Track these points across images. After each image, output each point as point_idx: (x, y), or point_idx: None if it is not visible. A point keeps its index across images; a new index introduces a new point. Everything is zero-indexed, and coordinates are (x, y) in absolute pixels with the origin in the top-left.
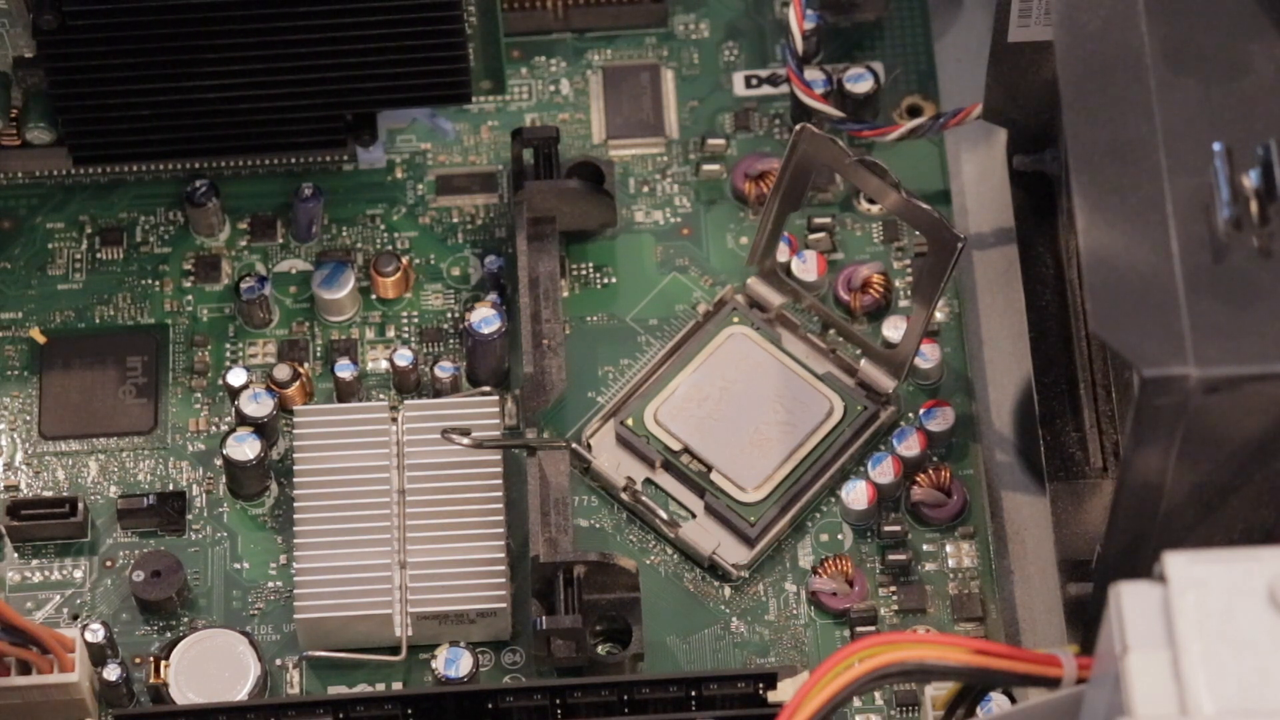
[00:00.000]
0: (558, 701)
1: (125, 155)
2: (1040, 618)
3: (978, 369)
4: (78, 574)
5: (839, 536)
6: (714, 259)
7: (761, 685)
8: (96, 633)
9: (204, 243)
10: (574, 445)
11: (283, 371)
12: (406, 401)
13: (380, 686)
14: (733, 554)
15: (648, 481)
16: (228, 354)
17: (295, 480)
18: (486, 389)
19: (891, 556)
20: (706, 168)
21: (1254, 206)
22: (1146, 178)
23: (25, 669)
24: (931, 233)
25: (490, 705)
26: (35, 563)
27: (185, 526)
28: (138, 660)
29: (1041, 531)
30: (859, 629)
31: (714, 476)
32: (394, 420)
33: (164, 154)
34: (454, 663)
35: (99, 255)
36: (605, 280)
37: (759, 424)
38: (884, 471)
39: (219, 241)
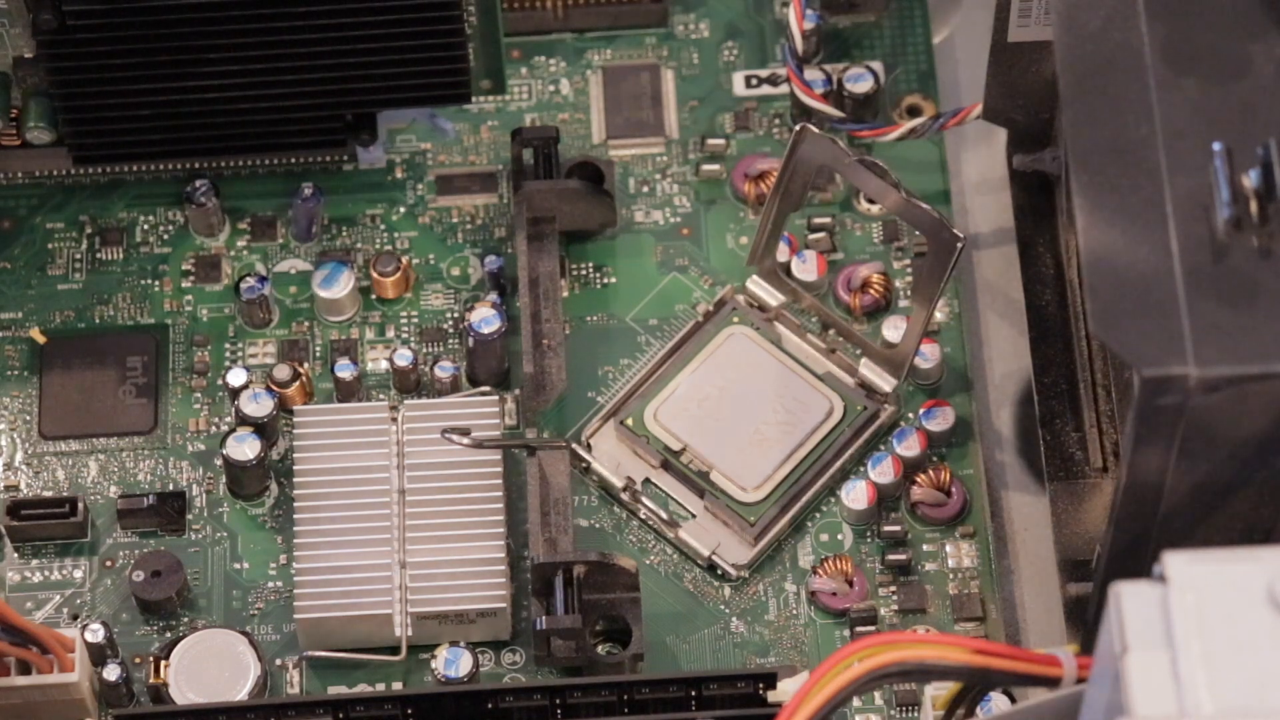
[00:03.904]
0: (558, 701)
1: (125, 155)
2: (1040, 618)
3: (978, 369)
4: (78, 574)
5: (839, 536)
6: (714, 259)
7: (761, 685)
8: (96, 633)
9: (204, 243)
10: (574, 445)
11: (283, 371)
12: (406, 401)
13: (380, 686)
14: (733, 554)
15: (648, 481)
16: (228, 354)
17: (295, 480)
18: (486, 389)
19: (891, 556)
20: (706, 168)
21: (1254, 206)
22: (1146, 178)
23: (25, 669)
24: (931, 233)
25: (490, 705)
26: (35, 563)
27: (185, 526)
28: (138, 660)
29: (1041, 531)
30: (859, 629)
31: (714, 476)
32: (394, 420)
33: (164, 154)
34: (454, 663)
35: (99, 255)
36: (605, 280)
37: (759, 424)
38: (884, 471)
39: (219, 241)
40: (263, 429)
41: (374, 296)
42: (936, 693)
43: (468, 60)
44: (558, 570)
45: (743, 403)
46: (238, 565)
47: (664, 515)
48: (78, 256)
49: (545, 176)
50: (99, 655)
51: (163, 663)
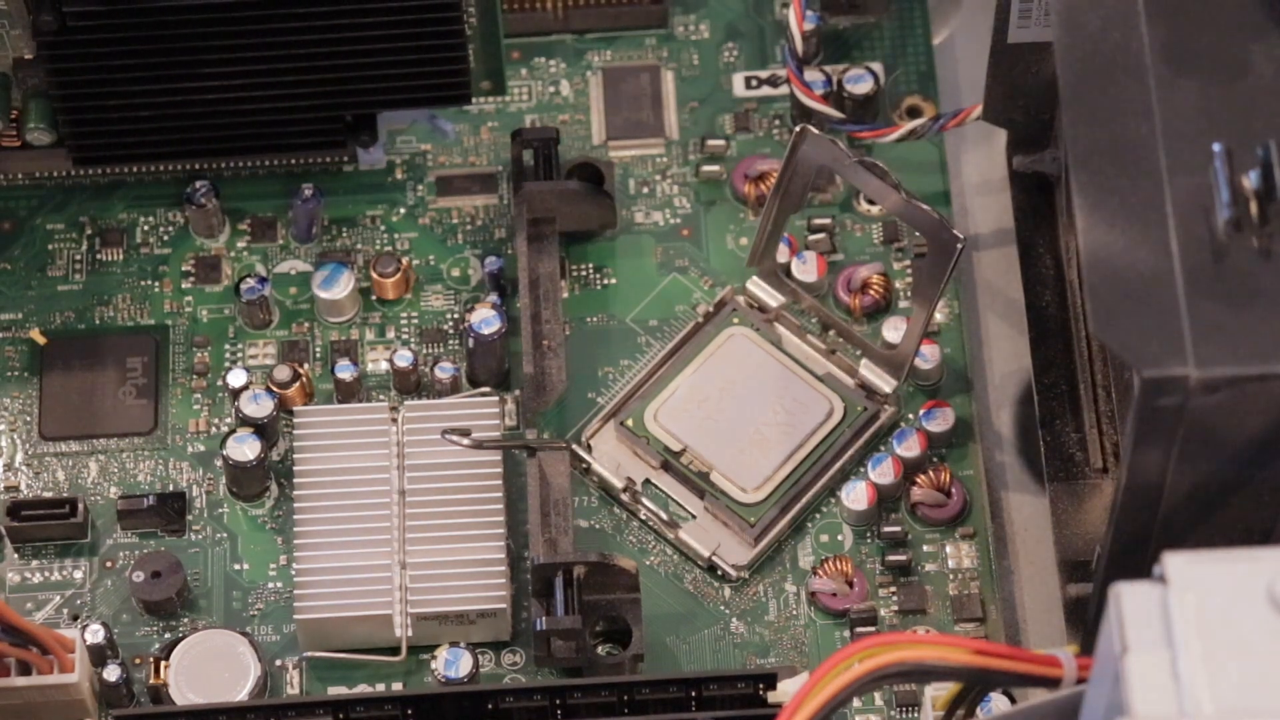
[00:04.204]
0: (558, 702)
1: (125, 156)
2: (1040, 618)
3: (978, 369)
4: (78, 574)
5: (839, 537)
6: (714, 260)
7: (761, 685)
8: (96, 633)
9: (204, 243)
10: (574, 445)
11: (283, 372)
12: (407, 402)
13: (380, 687)
14: (733, 554)
15: (648, 482)
16: (228, 355)
17: (295, 481)
18: (486, 389)
19: (891, 557)
20: (706, 169)
21: (1254, 207)
22: (1146, 178)
23: (25, 669)
24: (931, 233)
25: (490, 706)
26: (35, 563)
27: (185, 527)
28: (138, 661)
29: (1041, 531)
30: (859, 629)
31: (714, 477)
32: (394, 421)
33: (164, 155)
34: (454, 663)
35: (99, 256)
36: (605, 281)
37: (759, 424)
38: (884, 472)
39: (219, 242)
40: (263, 430)
41: (374, 297)
42: (936, 693)
43: (468, 61)
44: (558, 571)
45: (743, 403)
46: (238, 566)
47: (664, 516)
48: (78, 257)
49: (545, 177)
50: (99, 656)
51: (163, 663)
